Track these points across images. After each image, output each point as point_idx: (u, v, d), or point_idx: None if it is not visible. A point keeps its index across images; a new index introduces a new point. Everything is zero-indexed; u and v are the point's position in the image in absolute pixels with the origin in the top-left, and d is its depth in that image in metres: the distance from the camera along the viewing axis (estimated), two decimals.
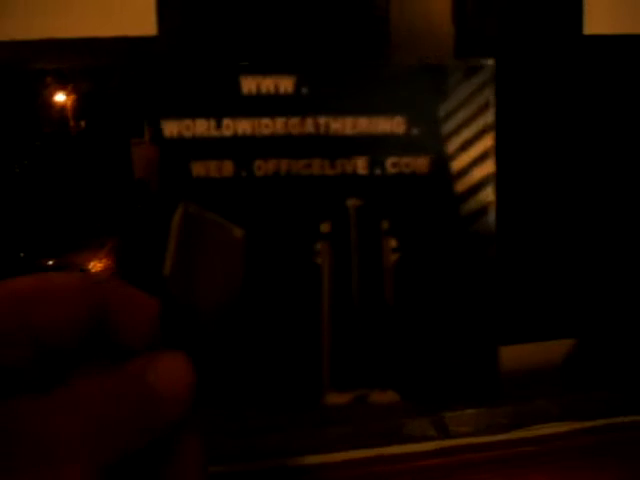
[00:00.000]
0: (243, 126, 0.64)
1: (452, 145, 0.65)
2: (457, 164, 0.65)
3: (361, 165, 0.63)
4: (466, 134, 0.64)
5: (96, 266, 1.75)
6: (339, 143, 0.63)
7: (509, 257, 0.91)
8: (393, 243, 0.65)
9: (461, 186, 0.65)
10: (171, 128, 0.67)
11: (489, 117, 0.64)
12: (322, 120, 0.62)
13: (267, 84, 0.66)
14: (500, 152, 0.70)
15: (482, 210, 0.65)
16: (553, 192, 0.92)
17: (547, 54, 0.92)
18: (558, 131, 0.91)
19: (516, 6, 0.88)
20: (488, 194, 0.64)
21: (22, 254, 1.66)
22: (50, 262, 1.71)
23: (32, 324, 0.26)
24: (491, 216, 0.64)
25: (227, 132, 0.64)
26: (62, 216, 1.69)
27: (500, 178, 0.70)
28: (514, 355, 0.89)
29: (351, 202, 0.64)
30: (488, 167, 0.65)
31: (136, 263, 1.10)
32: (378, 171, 0.63)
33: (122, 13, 0.85)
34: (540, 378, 0.87)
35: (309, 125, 0.64)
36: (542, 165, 0.91)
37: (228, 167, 0.64)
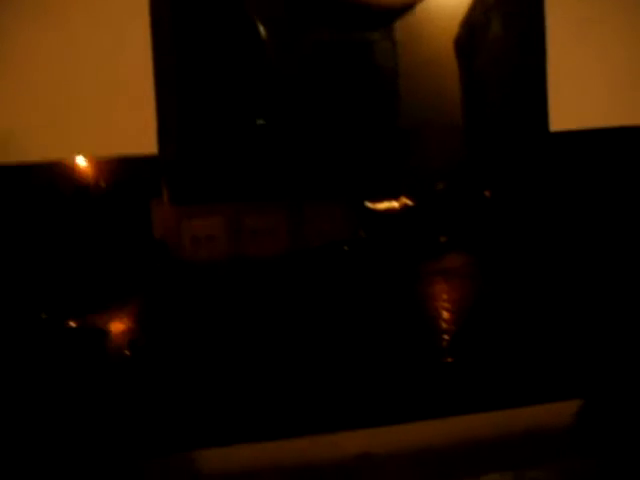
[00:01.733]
0: None
1: None
2: None
3: None
4: None
5: (117, 327, 2.41)
6: None
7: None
8: None
9: None
10: None
11: None
12: None
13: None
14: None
15: None
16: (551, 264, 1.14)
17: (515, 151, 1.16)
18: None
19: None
20: None
21: (44, 315, 2.29)
22: (72, 323, 2.41)
23: None
24: None
25: None
26: (83, 277, 2.19)
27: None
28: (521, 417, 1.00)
29: None
30: None
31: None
32: None
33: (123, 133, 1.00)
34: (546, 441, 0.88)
35: None
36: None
37: None
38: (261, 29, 2.65)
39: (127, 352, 3.51)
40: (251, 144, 2.99)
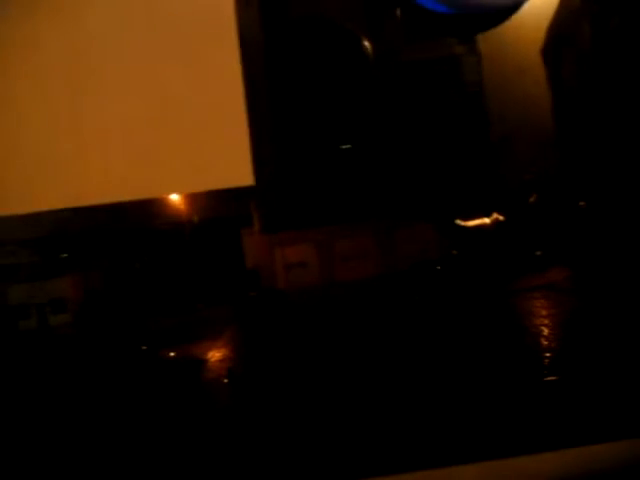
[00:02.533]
0: None
1: None
2: None
3: None
4: None
5: (214, 356, 2.68)
6: None
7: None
8: None
9: None
10: None
11: None
12: None
13: None
14: None
15: None
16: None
17: None
18: None
19: None
20: None
21: (144, 347, 2.72)
22: (171, 354, 2.69)
23: None
24: None
25: None
26: (179, 308, 2.48)
27: None
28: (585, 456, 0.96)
29: None
30: None
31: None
32: None
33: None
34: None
35: None
36: None
37: None
38: (354, 55, 2.71)
39: (225, 380, 3.63)
40: (340, 168, 3.04)
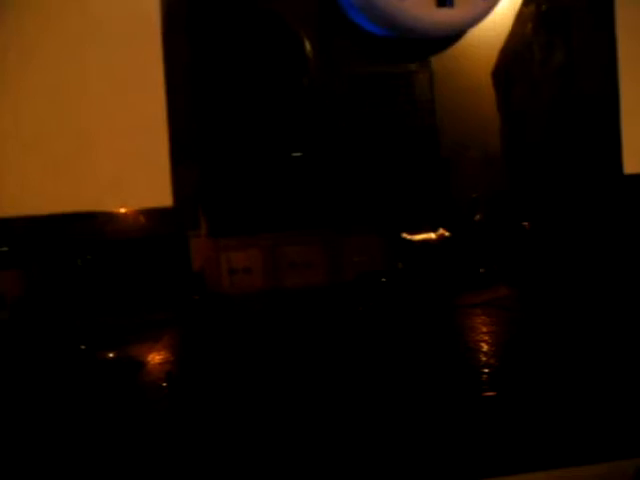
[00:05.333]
0: None
1: None
2: None
3: None
4: None
5: (154, 358, 2.57)
6: None
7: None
8: None
9: None
10: None
11: None
12: None
13: None
14: None
15: None
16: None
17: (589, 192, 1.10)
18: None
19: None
20: None
21: (83, 347, 2.60)
22: (110, 354, 2.62)
23: None
24: None
25: None
26: (121, 309, 2.36)
27: None
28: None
29: None
30: None
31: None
32: None
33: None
34: None
35: None
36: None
37: None
38: (298, 62, 2.70)
39: (164, 384, 3.58)
40: (288, 176, 3.03)
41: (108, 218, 2.32)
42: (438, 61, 2.92)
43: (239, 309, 3.81)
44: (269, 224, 3.59)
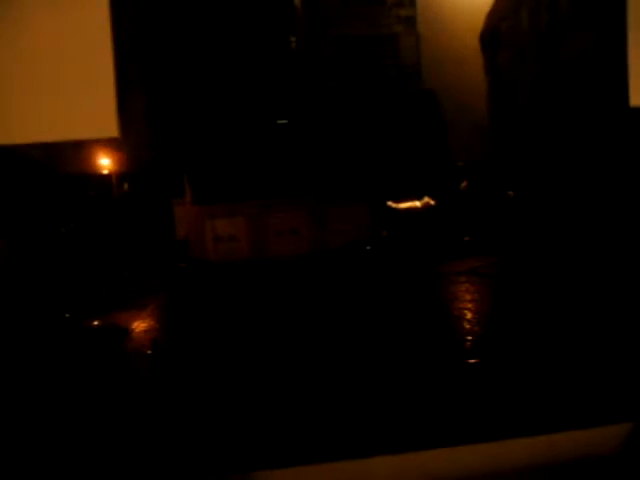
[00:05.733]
0: None
1: None
2: None
3: None
4: None
5: (139, 326, 3.13)
6: None
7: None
8: None
9: None
10: None
11: None
12: None
13: None
14: None
15: None
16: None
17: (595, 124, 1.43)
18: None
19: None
20: None
21: (67, 315, 3.07)
22: (95, 322, 3.01)
23: None
24: None
25: None
26: (106, 277, 3.23)
27: None
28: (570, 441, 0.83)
29: None
30: None
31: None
32: None
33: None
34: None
35: None
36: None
37: None
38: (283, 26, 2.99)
39: (148, 351, 3.34)
40: (273, 144, 3.14)
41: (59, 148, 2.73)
42: (425, 24, 3.30)
43: (224, 276, 3.68)
44: (255, 192, 3.73)
